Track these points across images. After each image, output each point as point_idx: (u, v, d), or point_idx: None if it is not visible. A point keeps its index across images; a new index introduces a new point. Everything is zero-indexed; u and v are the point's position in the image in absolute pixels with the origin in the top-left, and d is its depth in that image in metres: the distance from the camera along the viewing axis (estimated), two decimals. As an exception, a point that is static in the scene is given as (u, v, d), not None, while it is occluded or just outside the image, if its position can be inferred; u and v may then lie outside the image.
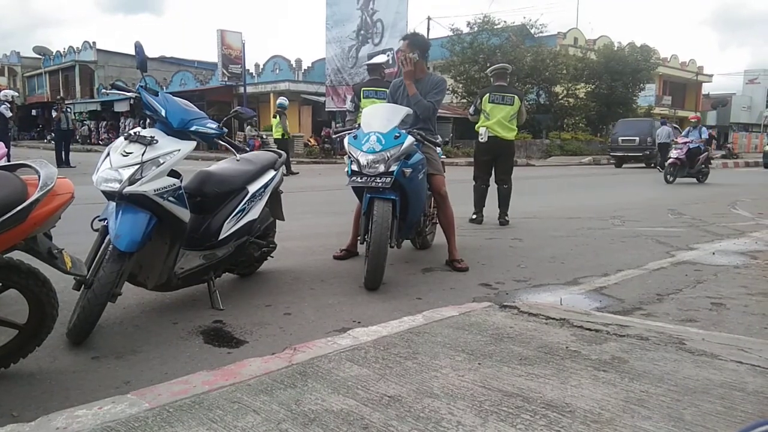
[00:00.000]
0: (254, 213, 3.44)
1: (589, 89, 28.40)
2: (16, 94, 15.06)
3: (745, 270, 4.14)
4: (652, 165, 19.51)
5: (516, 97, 6.40)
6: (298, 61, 26.98)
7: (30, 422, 1.69)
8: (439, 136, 4.37)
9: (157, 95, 2.95)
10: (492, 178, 6.62)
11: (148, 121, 3.06)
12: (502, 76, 6.57)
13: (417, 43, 4.29)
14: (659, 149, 18.44)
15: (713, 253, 4.72)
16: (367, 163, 3.56)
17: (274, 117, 14.76)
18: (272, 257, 3.97)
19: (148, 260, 2.86)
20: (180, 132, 2.89)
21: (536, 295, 3.47)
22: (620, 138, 21.17)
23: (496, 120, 6.32)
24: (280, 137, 14.22)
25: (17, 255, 2.14)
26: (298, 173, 14.27)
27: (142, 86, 2.97)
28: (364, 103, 5.77)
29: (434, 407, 1.77)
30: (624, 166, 21.02)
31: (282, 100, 14.88)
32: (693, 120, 13.96)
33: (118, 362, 2.41)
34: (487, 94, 6.44)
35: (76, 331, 2.54)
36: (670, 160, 13.08)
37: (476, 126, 6.55)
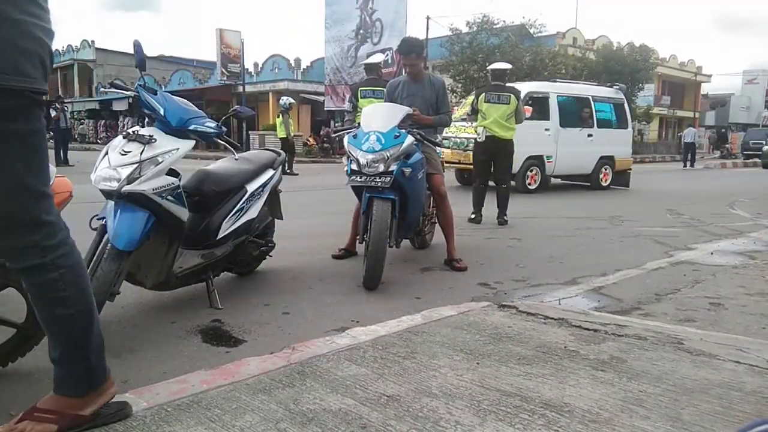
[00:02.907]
0: (253, 212, 3.44)
1: (588, 89, 28.40)
2: None
3: (743, 270, 4.14)
4: None
5: (512, 96, 6.40)
6: (297, 61, 26.95)
7: (28, 421, 1.68)
8: (438, 136, 4.38)
9: (156, 94, 2.95)
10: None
11: (146, 119, 3.05)
12: (500, 76, 6.58)
13: (413, 48, 4.27)
14: (685, 148, 22.26)
15: (711, 253, 4.73)
16: (367, 163, 3.56)
17: (278, 117, 14.66)
18: (271, 256, 3.97)
19: (147, 259, 2.85)
20: (179, 131, 2.89)
21: (535, 295, 3.47)
22: (750, 141, 28.70)
23: (493, 119, 6.33)
24: (284, 137, 14.14)
25: (15, 254, 2.13)
26: (297, 174, 14.17)
27: (140, 85, 2.97)
28: (362, 102, 5.77)
29: (433, 407, 1.77)
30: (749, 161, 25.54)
31: (284, 99, 14.76)
32: None
33: (116, 361, 2.40)
34: (483, 94, 6.45)
35: (75, 330, 2.53)
36: None
37: (474, 126, 6.55)
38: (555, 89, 10.97)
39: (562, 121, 10.77)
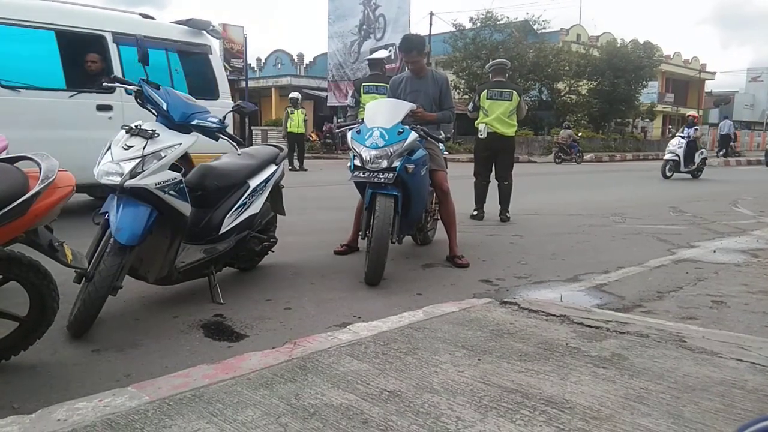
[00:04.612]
0: (255, 207, 3.44)
1: (591, 86, 28.34)
2: None
3: (745, 268, 4.13)
4: None
5: (514, 92, 6.37)
6: (300, 56, 26.97)
7: (31, 414, 1.69)
8: (441, 132, 4.37)
9: (159, 89, 2.95)
10: (493, 175, 6.62)
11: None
12: (501, 72, 6.55)
13: (414, 45, 4.25)
14: (720, 140, 23.00)
15: (714, 251, 4.72)
16: (370, 159, 3.56)
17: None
18: (273, 252, 3.97)
19: (149, 254, 2.86)
20: (181, 126, 2.89)
21: (536, 292, 3.47)
22: None
23: (495, 116, 6.31)
24: (290, 132, 14.12)
25: (18, 247, 2.14)
26: (307, 170, 14.09)
27: (143, 80, 2.97)
28: (365, 98, 5.77)
29: (434, 402, 1.77)
30: None
31: (291, 95, 14.70)
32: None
33: (119, 355, 2.41)
34: (485, 91, 6.42)
35: (77, 324, 2.54)
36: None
37: (476, 122, 6.54)
38: None
39: (6, 73, 5.10)
